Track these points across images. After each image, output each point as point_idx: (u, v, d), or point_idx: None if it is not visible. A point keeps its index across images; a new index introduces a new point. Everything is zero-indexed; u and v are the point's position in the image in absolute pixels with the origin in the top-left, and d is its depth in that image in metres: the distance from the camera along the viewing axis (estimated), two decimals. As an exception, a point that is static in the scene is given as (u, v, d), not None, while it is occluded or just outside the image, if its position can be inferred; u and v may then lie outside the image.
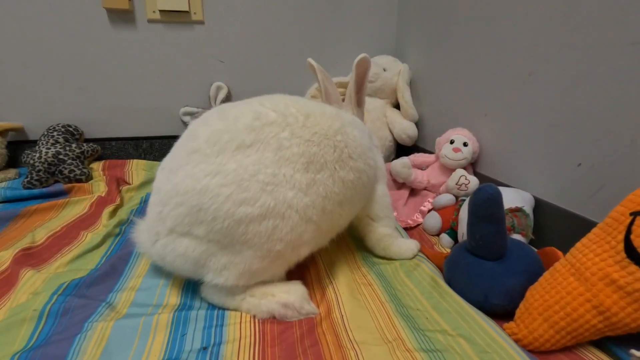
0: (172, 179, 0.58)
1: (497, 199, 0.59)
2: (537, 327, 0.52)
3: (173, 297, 0.66)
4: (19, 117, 1.33)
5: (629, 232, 0.47)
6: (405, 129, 1.31)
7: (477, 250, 0.63)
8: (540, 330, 0.52)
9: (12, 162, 1.32)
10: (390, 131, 1.37)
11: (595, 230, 0.53)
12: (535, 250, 0.73)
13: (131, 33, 1.33)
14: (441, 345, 0.54)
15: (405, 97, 1.32)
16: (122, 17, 1.30)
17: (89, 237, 0.87)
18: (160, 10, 1.31)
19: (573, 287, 0.50)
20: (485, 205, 0.59)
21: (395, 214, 1.01)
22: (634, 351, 0.43)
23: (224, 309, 0.62)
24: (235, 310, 0.62)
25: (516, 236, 0.75)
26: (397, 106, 1.40)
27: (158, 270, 0.73)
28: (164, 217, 0.58)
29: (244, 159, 0.56)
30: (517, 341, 0.54)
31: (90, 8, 1.26)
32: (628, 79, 0.61)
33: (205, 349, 0.54)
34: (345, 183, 0.65)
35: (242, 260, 0.57)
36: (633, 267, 0.45)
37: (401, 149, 1.40)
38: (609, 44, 0.64)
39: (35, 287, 0.66)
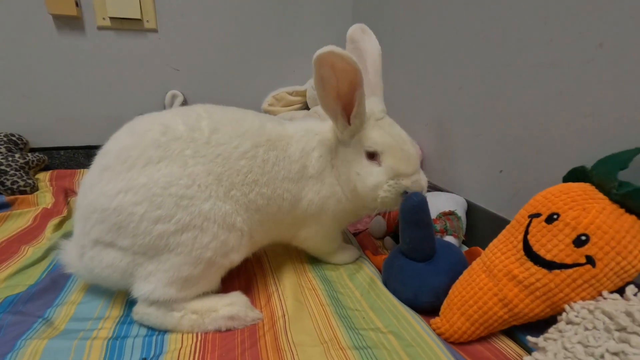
0: (88, 196, 0.58)
1: (423, 206, 0.64)
2: (456, 320, 0.58)
3: (116, 309, 0.66)
4: (-44, 126, 1.26)
5: (526, 232, 0.54)
6: (359, 136, 1.37)
7: (409, 253, 0.68)
8: (458, 324, 0.58)
9: (-52, 173, 1.24)
10: (345, 139, 1.42)
11: (503, 231, 0.59)
12: (465, 249, 0.80)
13: (80, 40, 1.29)
14: (372, 342, 0.58)
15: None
16: (70, 23, 1.27)
17: (30, 252, 0.85)
18: (110, 18, 1.29)
19: (484, 283, 0.56)
20: (412, 212, 0.64)
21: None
22: (529, 337, 0.49)
23: (163, 331, 0.60)
24: (175, 330, 0.60)
25: (449, 237, 0.81)
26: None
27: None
28: (87, 231, 0.58)
29: (154, 173, 0.56)
30: (440, 334, 0.59)
31: (35, 14, 1.22)
32: (533, 95, 0.69)
33: (144, 359, 0.55)
34: (257, 204, 0.65)
35: (170, 266, 0.57)
36: (529, 264, 0.52)
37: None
38: (518, 64, 0.72)
39: (-34, 305, 0.64)
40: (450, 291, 0.62)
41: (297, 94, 1.52)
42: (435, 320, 0.62)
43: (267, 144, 0.66)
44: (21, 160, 1.22)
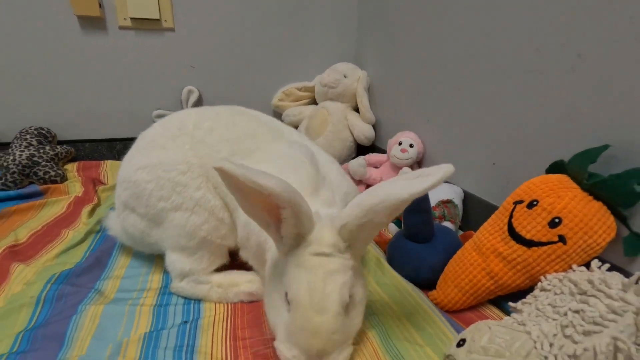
0: (125, 168, 0.74)
1: (424, 195, 0.73)
2: (450, 292, 0.68)
3: (155, 283, 0.76)
4: (-10, 121, 1.35)
5: (511, 216, 0.63)
6: (364, 131, 1.46)
7: (410, 236, 0.77)
8: (452, 294, 0.67)
9: (-17, 164, 1.34)
10: (351, 132, 1.50)
11: (492, 216, 0.68)
12: (460, 233, 0.89)
13: (103, 39, 1.38)
14: (378, 311, 0.68)
15: (363, 102, 1.46)
16: (94, 23, 1.35)
17: (71, 235, 0.95)
18: (131, 18, 1.37)
19: (474, 259, 0.66)
20: (414, 200, 0.73)
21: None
22: (510, 303, 0.59)
23: (196, 300, 0.70)
24: (206, 300, 0.70)
25: (446, 223, 0.90)
26: (357, 109, 1.54)
27: (139, 261, 0.83)
28: (119, 195, 0.75)
29: (163, 154, 0.70)
30: (436, 304, 0.69)
31: (61, 15, 1.30)
32: (522, 98, 0.78)
33: (185, 322, 0.65)
34: (234, 205, 0.70)
35: (169, 235, 0.70)
36: (512, 243, 0.61)
37: (361, 149, 1.55)
38: (509, 70, 0.80)
39: (27, 278, 0.74)
40: (446, 267, 0.71)
41: (305, 89, 1.61)
42: (433, 293, 0.71)
43: (255, 152, 0.70)
44: (51, 152, 1.31)
